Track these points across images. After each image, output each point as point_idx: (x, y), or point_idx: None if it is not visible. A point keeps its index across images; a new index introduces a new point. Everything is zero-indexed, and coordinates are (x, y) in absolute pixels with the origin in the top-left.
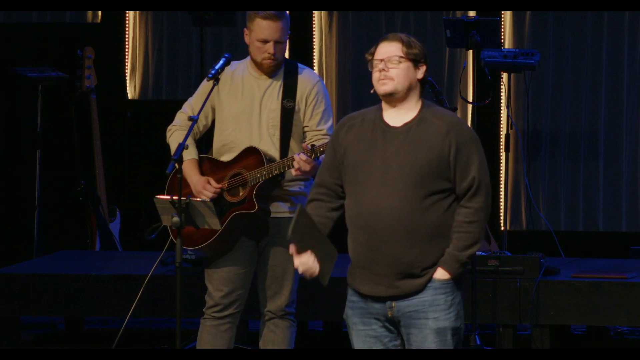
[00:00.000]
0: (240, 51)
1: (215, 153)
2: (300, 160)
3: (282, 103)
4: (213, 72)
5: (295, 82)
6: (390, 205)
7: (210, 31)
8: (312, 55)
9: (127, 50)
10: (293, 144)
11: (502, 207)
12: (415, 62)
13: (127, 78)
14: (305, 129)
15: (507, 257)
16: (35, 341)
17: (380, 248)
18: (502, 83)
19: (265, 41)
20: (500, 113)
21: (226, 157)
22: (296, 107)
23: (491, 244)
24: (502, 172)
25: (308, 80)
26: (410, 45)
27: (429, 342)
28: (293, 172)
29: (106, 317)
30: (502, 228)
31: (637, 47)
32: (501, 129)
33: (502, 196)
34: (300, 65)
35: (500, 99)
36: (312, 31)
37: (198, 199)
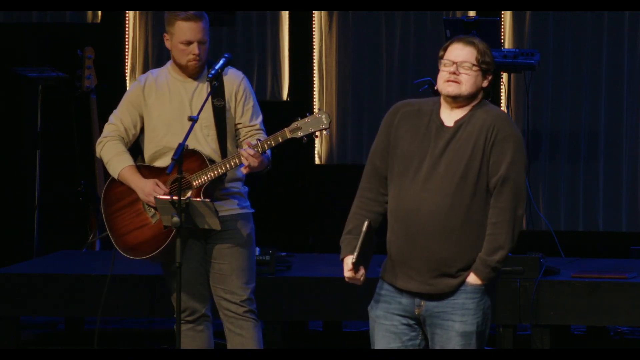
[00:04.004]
0: (240, 51)
1: (148, 161)
2: (248, 156)
3: (212, 103)
4: (213, 72)
5: (221, 81)
6: (432, 200)
7: (210, 31)
8: (312, 55)
9: (127, 50)
10: (228, 142)
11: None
12: (485, 71)
13: (127, 78)
14: (238, 126)
15: (507, 257)
16: (35, 341)
17: (417, 243)
18: (502, 83)
19: (189, 42)
20: None
21: (160, 163)
22: (227, 106)
23: None
24: None
25: (234, 78)
26: (483, 54)
27: (453, 344)
28: (243, 169)
29: (106, 317)
30: None
31: (637, 47)
32: None
33: None
34: None
35: (500, 99)
36: (312, 31)
37: (198, 199)
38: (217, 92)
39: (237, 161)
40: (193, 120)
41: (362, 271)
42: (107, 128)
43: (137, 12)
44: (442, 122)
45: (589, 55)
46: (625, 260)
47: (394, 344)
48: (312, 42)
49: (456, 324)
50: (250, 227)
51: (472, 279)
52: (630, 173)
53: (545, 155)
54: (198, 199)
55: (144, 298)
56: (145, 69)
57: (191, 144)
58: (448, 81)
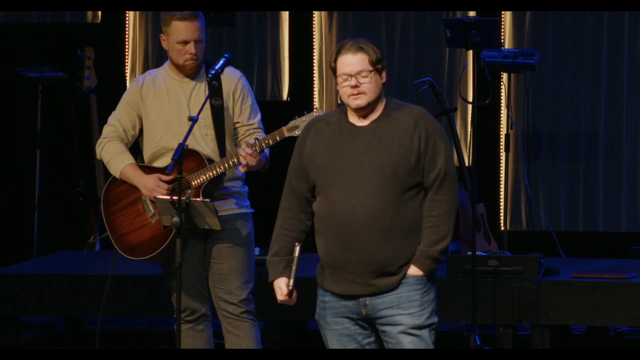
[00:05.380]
0: (240, 51)
1: (148, 161)
2: (246, 155)
3: (210, 102)
4: (213, 72)
5: (219, 80)
6: (364, 203)
7: (210, 31)
8: (312, 55)
9: (127, 50)
10: (227, 142)
11: (502, 207)
12: (380, 70)
13: (127, 78)
14: (237, 124)
15: (507, 257)
16: (35, 341)
17: (355, 247)
18: (502, 83)
19: (185, 42)
20: (500, 113)
21: (160, 163)
22: (225, 105)
23: (491, 244)
24: (502, 172)
25: (231, 76)
26: (374, 53)
27: (404, 338)
28: (241, 168)
29: (106, 317)
30: (502, 228)
31: (637, 47)
32: (501, 129)
33: (502, 196)
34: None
35: (500, 99)
36: (312, 31)
37: (198, 199)
38: (215, 91)
39: (235, 160)
40: (193, 120)
41: (295, 293)
42: (106, 129)
43: (137, 12)
44: (353, 125)
45: (589, 55)
46: (625, 260)
47: (351, 345)
48: (312, 42)
49: (404, 317)
50: (249, 226)
51: (414, 270)
52: (630, 173)
53: (545, 155)
54: (198, 199)
55: (144, 298)
56: (145, 69)
57: (190, 144)
58: (352, 95)
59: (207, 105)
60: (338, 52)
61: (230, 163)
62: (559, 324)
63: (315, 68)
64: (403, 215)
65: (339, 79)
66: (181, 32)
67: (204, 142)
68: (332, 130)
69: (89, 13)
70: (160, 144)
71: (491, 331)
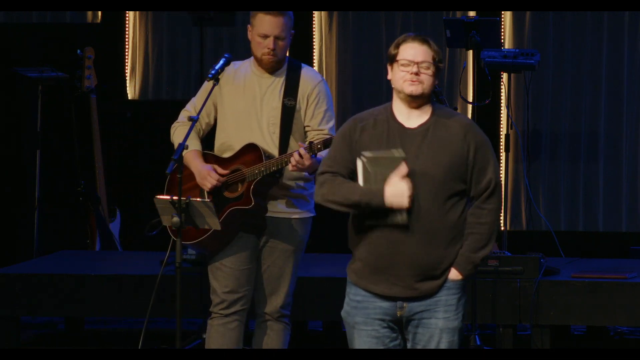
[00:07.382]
0: (240, 51)
1: (217, 151)
2: (297, 156)
3: (283, 101)
4: (213, 72)
5: (297, 81)
6: (413, 207)
7: (210, 31)
8: (312, 55)
9: (127, 50)
10: (293, 143)
11: (502, 207)
12: (437, 70)
13: (127, 78)
14: (307, 128)
15: (507, 257)
16: (35, 341)
17: (401, 250)
18: (502, 83)
19: (265, 36)
20: (500, 113)
21: (227, 155)
22: (297, 106)
23: None
24: (502, 172)
25: (310, 79)
26: (437, 51)
27: (437, 341)
28: (290, 167)
29: (106, 317)
30: (502, 228)
31: (637, 47)
32: (501, 129)
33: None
34: (304, 65)
35: (500, 99)
36: (312, 31)
37: (198, 199)
38: (289, 91)
39: (287, 159)
40: (193, 120)
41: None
42: (182, 114)
43: (137, 12)
44: (402, 125)
45: (589, 56)
46: (625, 260)
47: (376, 347)
48: (312, 42)
49: (440, 321)
50: (304, 230)
51: (454, 274)
52: (630, 173)
53: (545, 155)
54: (198, 199)
55: (144, 298)
56: (145, 69)
57: (256, 139)
58: (410, 81)
59: (279, 104)
60: (403, 40)
61: (283, 162)
62: (559, 324)
63: (316, 68)
64: (448, 221)
65: (398, 64)
66: (264, 25)
67: (270, 139)
68: (380, 129)
69: (89, 13)
70: (229, 137)
71: (491, 331)
